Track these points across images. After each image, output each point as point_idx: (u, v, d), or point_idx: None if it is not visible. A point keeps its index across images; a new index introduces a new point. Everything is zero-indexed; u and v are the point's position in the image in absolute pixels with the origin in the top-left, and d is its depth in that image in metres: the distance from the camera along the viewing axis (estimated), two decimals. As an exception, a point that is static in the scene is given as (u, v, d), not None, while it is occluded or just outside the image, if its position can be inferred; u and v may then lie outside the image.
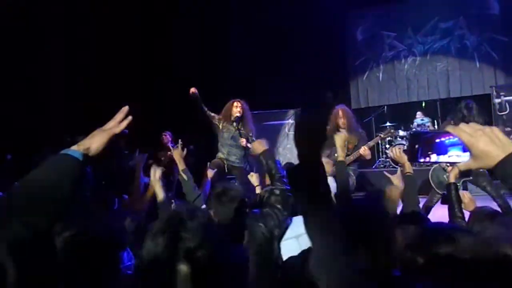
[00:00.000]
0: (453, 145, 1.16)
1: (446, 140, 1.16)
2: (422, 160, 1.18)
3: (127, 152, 4.59)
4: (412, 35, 11.71)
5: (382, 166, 9.99)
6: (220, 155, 5.57)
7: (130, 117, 1.50)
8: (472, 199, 2.93)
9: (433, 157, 1.17)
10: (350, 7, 11.78)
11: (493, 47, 10.89)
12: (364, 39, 12.24)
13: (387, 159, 9.86)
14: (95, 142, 1.39)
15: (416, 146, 1.19)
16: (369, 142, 5.03)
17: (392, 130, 6.25)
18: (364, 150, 4.93)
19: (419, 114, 10.93)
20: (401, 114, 11.47)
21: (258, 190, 3.63)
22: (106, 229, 1.62)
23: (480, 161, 1.08)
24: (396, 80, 11.95)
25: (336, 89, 11.44)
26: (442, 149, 1.17)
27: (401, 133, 10.63)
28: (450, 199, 2.74)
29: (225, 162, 5.59)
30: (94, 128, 1.46)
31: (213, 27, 10.87)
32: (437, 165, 6.09)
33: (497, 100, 9.31)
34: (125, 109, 1.50)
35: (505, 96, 9.23)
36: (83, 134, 1.44)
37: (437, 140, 1.17)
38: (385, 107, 11.61)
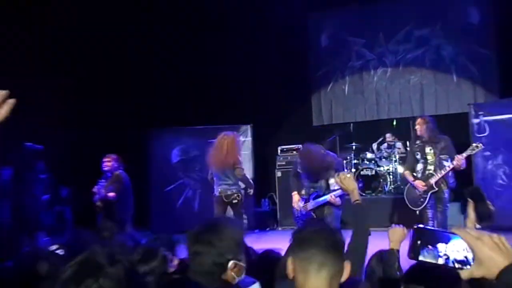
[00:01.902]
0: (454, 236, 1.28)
1: (451, 240, 1.28)
2: (422, 257, 1.31)
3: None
4: (383, 43, 11.91)
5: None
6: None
7: (12, 100, 1.58)
8: None
9: (439, 248, 1.30)
10: (312, 7, 11.86)
11: (472, 59, 11.17)
12: (328, 46, 12.36)
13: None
14: None
15: (419, 242, 1.31)
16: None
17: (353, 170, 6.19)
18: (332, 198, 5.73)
19: (388, 136, 11.17)
20: (369, 133, 11.62)
21: None
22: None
23: (484, 266, 1.19)
24: (364, 93, 12.09)
25: (293, 104, 11.80)
26: (444, 238, 1.29)
27: (369, 155, 10.95)
28: None
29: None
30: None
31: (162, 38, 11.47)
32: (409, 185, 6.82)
33: (475, 120, 9.53)
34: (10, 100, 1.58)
35: (484, 115, 9.46)
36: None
37: (439, 235, 1.30)
38: (351, 124, 11.68)
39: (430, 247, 1.30)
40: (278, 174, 10.61)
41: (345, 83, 12.23)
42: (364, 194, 9.88)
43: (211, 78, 11.74)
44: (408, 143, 10.32)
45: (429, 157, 6.70)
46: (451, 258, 1.26)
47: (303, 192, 6.18)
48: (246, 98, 11.78)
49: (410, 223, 1.86)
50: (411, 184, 6.83)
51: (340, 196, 5.72)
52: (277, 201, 10.76)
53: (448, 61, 11.42)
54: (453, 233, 1.27)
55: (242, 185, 7.18)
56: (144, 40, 11.46)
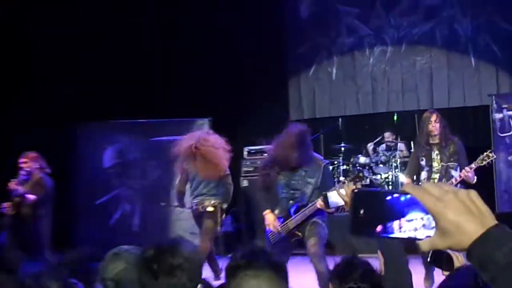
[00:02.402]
0: (412, 204, 1.19)
1: (402, 197, 1.19)
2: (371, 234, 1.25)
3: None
4: (383, 14, 11.61)
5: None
6: None
7: None
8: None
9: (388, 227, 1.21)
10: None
11: (495, 37, 10.81)
12: (310, 17, 12.06)
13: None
14: None
15: (362, 212, 1.22)
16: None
17: (360, 174, 6.15)
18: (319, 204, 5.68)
19: (388, 135, 11.05)
20: (363, 131, 11.68)
21: None
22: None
23: (450, 237, 1.11)
24: (357, 79, 11.76)
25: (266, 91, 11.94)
26: (396, 213, 1.20)
27: (362, 159, 10.75)
28: None
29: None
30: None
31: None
32: None
33: (497, 116, 9.31)
34: None
35: (509, 109, 9.26)
36: None
37: (388, 198, 1.21)
38: (340, 119, 11.49)
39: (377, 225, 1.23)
40: (244, 183, 10.24)
41: (332, 66, 11.83)
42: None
43: (155, 58, 11.69)
44: (412, 144, 10.09)
45: (435, 164, 6.81)
46: (405, 228, 1.18)
47: (276, 211, 5.99)
48: (203, 83, 11.52)
49: (412, 250, 1.71)
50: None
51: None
52: (242, 218, 10.42)
53: (464, 38, 11.01)
54: (404, 193, 1.17)
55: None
56: (70, 15, 11.22)
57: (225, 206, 7.50)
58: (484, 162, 6.51)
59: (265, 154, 9.52)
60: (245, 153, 10.65)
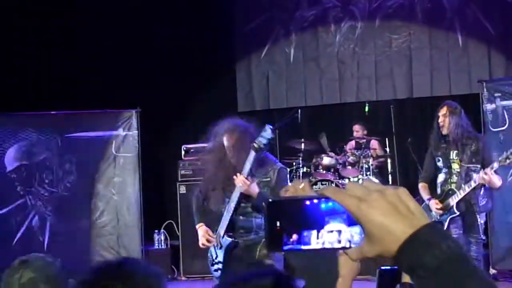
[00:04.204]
0: (333, 213, 1.23)
1: (322, 204, 1.24)
2: (287, 247, 1.27)
3: None
4: None
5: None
6: None
7: None
8: None
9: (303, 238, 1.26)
10: None
11: (486, 9, 10.75)
12: None
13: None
14: None
15: (278, 224, 1.26)
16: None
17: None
18: None
19: (357, 129, 10.91)
20: (328, 123, 11.69)
21: None
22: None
23: (378, 242, 1.14)
24: (320, 62, 11.72)
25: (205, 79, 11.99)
26: (315, 222, 1.25)
27: (326, 160, 10.59)
28: None
29: None
30: None
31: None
32: None
33: (489, 106, 9.21)
34: None
35: (502, 98, 9.15)
36: None
37: (307, 203, 1.26)
38: (299, 110, 11.08)
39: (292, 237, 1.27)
40: (182, 189, 10.09)
41: (289, 45, 11.74)
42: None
43: (67, 35, 11.28)
44: (387, 141, 10.50)
45: (454, 165, 6.77)
46: (327, 240, 1.24)
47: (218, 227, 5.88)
48: (130, 67, 11.31)
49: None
50: (426, 203, 6.90)
51: None
52: (179, 233, 10.20)
53: (450, 12, 10.91)
54: (325, 197, 1.22)
55: None
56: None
57: None
58: (508, 161, 6.31)
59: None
60: (183, 152, 10.39)
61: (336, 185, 10.16)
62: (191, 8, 11.65)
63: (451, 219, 6.76)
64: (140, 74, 11.51)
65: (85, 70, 11.28)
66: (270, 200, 1.30)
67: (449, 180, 6.77)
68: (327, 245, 1.23)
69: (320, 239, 1.23)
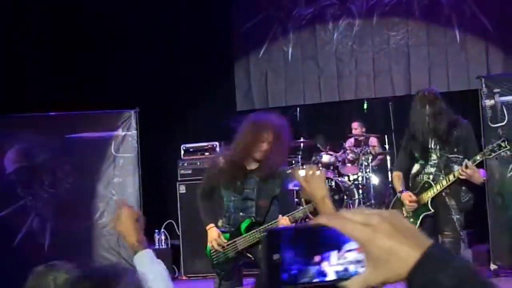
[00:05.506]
0: (329, 241, 1.20)
1: (321, 233, 1.19)
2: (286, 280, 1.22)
3: None
4: None
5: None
6: None
7: None
8: None
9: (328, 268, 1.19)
10: None
11: (483, 5, 10.76)
12: None
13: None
14: None
15: (276, 257, 1.20)
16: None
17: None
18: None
19: (356, 126, 10.96)
20: (327, 121, 11.76)
21: None
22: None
23: (384, 267, 1.12)
24: (319, 59, 11.78)
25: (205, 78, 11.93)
26: (313, 253, 1.20)
27: (325, 158, 10.70)
28: None
29: None
30: None
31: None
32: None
33: (488, 102, 9.18)
34: None
35: (502, 94, 9.10)
36: None
37: (304, 232, 1.25)
38: (298, 109, 11.57)
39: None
40: (182, 189, 10.10)
41: (287, 43, 11.82)
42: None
43: (69, 37, 11.22)
44: (386, 138, 10.61)
45: (432, 156, 6.25)
46: (327, 270, 1.19)
47: (219, 223, 5.85)
48: (130, 68, 11.37)
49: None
50: (397, 195, 6.46)
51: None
52: (179, 233, 10.22)
53: (447, 8, 10.96)
54: (321, 227, 1.17)
55: None
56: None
57: None
58: (493, 155, 6.06)
59: (214, 152, 9.58)
60: (182, 151, 10.42)
61: (337, 184, 10.28)
62: (190, 8, 11.63)
63: (424, 216, 6.21)
64: (139, 74, 11.45)
65: (84, 70, 11.27)
66: (267, 230, 1.26)
67: (424, 170, 6.26)
68: (330, 277, 1.18)
69: (321, 272, 1.19)
